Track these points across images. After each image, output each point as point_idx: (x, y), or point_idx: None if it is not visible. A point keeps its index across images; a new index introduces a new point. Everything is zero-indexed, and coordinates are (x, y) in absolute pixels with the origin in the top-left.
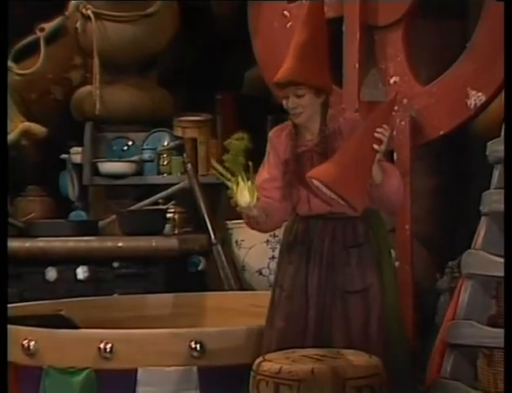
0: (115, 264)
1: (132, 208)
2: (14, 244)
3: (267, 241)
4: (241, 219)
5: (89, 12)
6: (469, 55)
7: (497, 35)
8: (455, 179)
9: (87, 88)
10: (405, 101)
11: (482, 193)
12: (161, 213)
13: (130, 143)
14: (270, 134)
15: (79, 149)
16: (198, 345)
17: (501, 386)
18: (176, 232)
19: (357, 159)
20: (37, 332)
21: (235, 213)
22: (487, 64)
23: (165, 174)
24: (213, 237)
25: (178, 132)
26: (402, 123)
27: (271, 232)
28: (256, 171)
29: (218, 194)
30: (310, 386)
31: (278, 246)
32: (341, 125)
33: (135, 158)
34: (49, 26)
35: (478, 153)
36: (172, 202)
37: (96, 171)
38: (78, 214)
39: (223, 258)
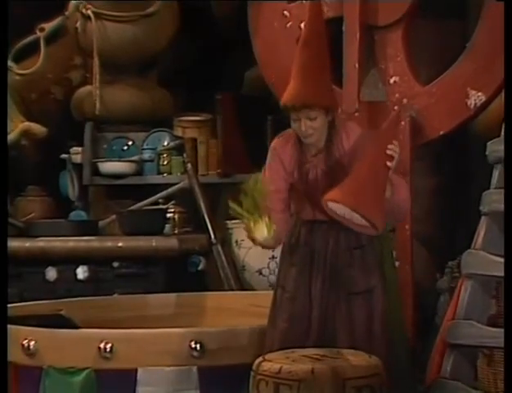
0: (115, 264)
1: (132, 208)
2: (14, 244)
3: None
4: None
5: (89, 12)
6: (469, 55)
7: (497, 35)
8: (455, 179)
9: (87, 88)
10: (405, 101)
11: (482, 193)
12: (161, 213)
13: (130, 143)
14: (274, 145)
15: (79, 149)
16: (198, 345)
17: (501, 386)
18: (176, 232)
19: (372, 178)
20: (37, 332)
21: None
22: (487, 64)
23: (165, 174)
24: (213, 236)
25: (178, 132)
26: (402, 123)
27: None
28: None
29: (218, 194)
30: (310, 386)
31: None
32: (343, 139)
33: (135, 158)
34: (49, 26)
35: (478, 153)
36: (172, 202)
37: (96, 171)
38: (78, 214)
39: (223, 258)
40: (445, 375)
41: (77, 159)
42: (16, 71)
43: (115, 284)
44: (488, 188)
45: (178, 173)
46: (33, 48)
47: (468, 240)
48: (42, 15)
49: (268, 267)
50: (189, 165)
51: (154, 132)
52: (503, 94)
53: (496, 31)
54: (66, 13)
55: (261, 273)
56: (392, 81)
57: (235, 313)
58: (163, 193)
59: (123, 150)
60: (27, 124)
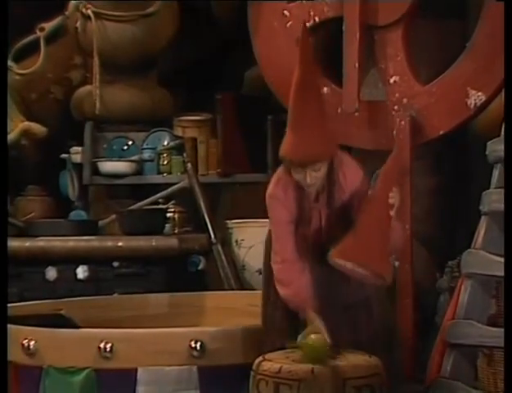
0: (115, 264)
1: (132, 208)
2: (14, 244)
3: None
4: (241, 218)
5: (89, 12)
6: (469, 55)
7: (497, 35)
8: (455, 179)
9: (87, 87)
10: (405, 100)
11: (482, 193)
12: (161, 212)
13: (130, 143)
14: (273, 192)
15: (79, 149)
16: (198, 345)
17: (501, 386)
18: (176, 231)
19: (377, 230)
20: (37, 332)
21: (235, 212)
22: (487, 64)
23: (165, 174)
24: (213, 236)
25: (178, 131)
26: (402, 122)
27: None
28: None
29: (218, 194)
30: (310, 385)
31: None
32: (341, 181)
33: (135, 158)
34: (49, 26)
35: (478, 153)
36: (172, 202)
37: (96, 171)
38: (78, 214)
39: (223, 257)
40: (445, 375)
41: (77, 158)
42: (16, 71)
43: (115, 284)
44: (488, 188)
45: (178, 173)
46: (33, 48)
47: (468, 240)
48: (42, 15)
49: None
50: (189, 165)
51: (154, 131)
52: (503, 94)
53: (496, 31)
54: (66, 13)
55: (261, 273)
56: (392, 81)
57: (235, 312)
58: (163, 193)
59: (123, 149)
60: (27, 123)
